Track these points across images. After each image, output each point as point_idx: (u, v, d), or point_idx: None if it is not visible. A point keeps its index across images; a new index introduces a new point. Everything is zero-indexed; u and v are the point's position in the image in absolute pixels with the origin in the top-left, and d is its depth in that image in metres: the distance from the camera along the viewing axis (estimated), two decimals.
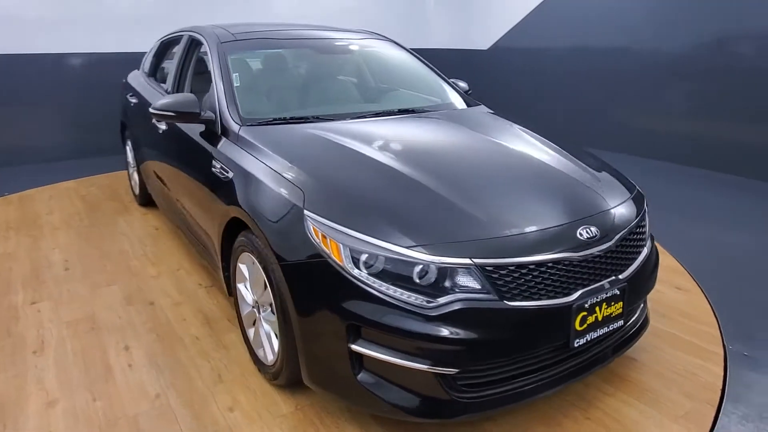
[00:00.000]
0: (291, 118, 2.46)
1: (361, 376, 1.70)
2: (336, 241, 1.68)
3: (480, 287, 1.62)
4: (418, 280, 1.62)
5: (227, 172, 2.24)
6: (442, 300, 1.60)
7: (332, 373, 1.78)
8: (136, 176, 4.31)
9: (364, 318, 1.63)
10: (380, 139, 2.29)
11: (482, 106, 3.03)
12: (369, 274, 1.64)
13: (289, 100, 2.77)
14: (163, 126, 3.07)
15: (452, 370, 1.63)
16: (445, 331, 1.58)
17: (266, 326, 2.09)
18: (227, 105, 2.49)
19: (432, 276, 1.62)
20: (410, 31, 8.08)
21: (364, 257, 1.64)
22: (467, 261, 1.61)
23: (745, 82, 4.95)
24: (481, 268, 1.62)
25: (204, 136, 2.57)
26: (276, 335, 2.02)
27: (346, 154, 2.12)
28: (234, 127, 2.38)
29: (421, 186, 1.89)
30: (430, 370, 1.62)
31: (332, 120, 2.47)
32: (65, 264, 3.31)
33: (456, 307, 1.59)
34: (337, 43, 3.16)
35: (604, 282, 1.80)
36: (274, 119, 2.44)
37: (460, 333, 1.59)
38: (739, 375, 2.24)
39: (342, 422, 1.95)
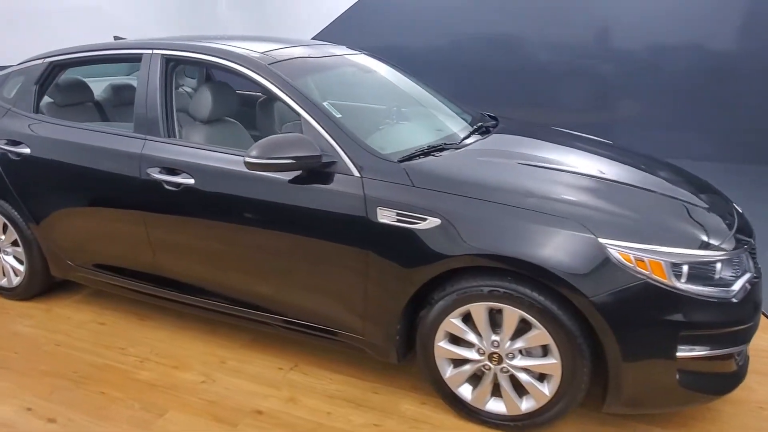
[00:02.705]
0: (428, 148, 2.20)
1: (681, 378, 1.81)
2: (657, 260, 1.74)
3: (746, 268, 1.92)
4: (717, 276, 1.82)
5: (419, 220, 1.90)
6: (735, 287, 1.84)
7: (652, 387, 1.84)
8: (9, 260, 2.94)
9: (692, 323, 1.77)
10: (545, 156, 2.32)
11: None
12: (685, 282, 1.76)
13: (388, 127, 2.42)
14: (179, 180, 2.25)
15: (745, 346, 1.91)
16: (746, 311, 1.86)
17: (523, 375, 1.93)
18: (349, 141, 2.07)
19: (723, 269, 1.84)
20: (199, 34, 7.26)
21: (685, 268, 1.75)
22: (743, 248, 1.90)
23: (480, 75, 6.66)
24: (748, 252, 1.93)
25: (306, 182, 2.07)
26: (541, 380, 1.91)
27: (554, 177, 2.09)
28: (385, 166, 2.02)
29: (647, 193, 2.08)
30: (736, 351, 1.86)
31: (456, 145, 2.31)
32: (37, 414, 2.13)
33: (745, 290, 1.86)
34: (364, 62, 2.84)
35: None
36: (417, 151, 2.15)
37: (751, 309, 1.89)
38: None
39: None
